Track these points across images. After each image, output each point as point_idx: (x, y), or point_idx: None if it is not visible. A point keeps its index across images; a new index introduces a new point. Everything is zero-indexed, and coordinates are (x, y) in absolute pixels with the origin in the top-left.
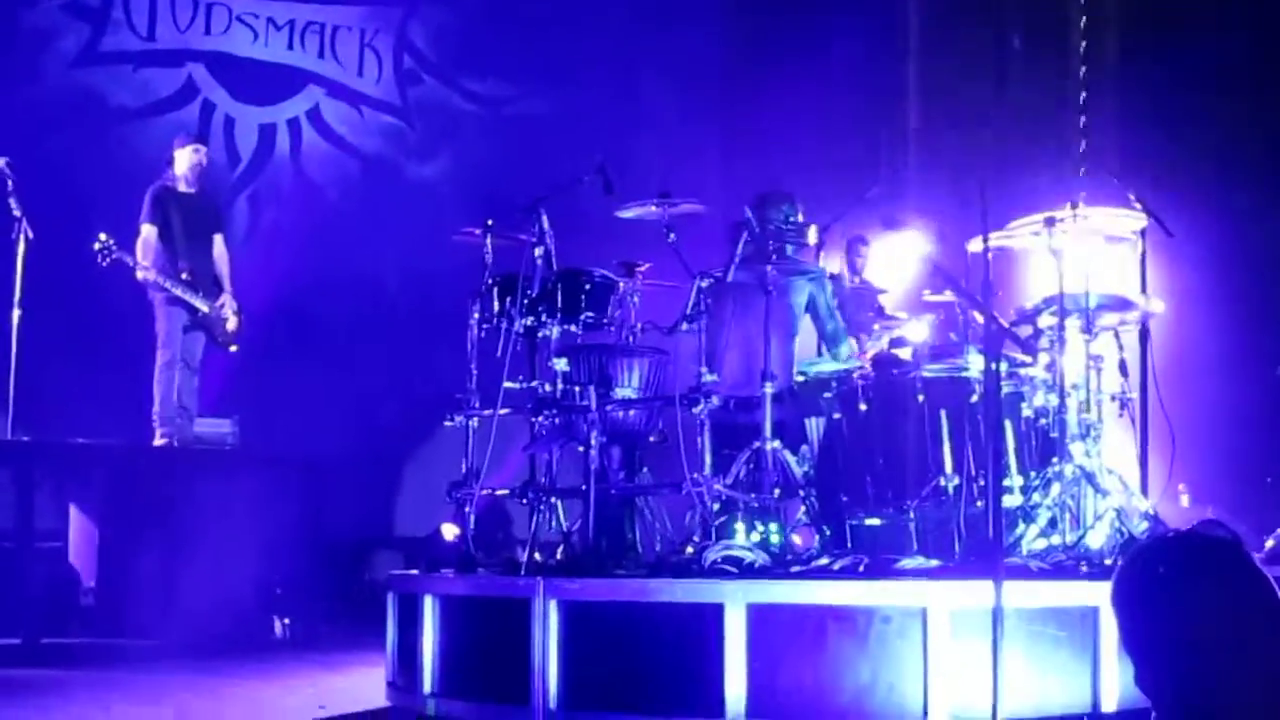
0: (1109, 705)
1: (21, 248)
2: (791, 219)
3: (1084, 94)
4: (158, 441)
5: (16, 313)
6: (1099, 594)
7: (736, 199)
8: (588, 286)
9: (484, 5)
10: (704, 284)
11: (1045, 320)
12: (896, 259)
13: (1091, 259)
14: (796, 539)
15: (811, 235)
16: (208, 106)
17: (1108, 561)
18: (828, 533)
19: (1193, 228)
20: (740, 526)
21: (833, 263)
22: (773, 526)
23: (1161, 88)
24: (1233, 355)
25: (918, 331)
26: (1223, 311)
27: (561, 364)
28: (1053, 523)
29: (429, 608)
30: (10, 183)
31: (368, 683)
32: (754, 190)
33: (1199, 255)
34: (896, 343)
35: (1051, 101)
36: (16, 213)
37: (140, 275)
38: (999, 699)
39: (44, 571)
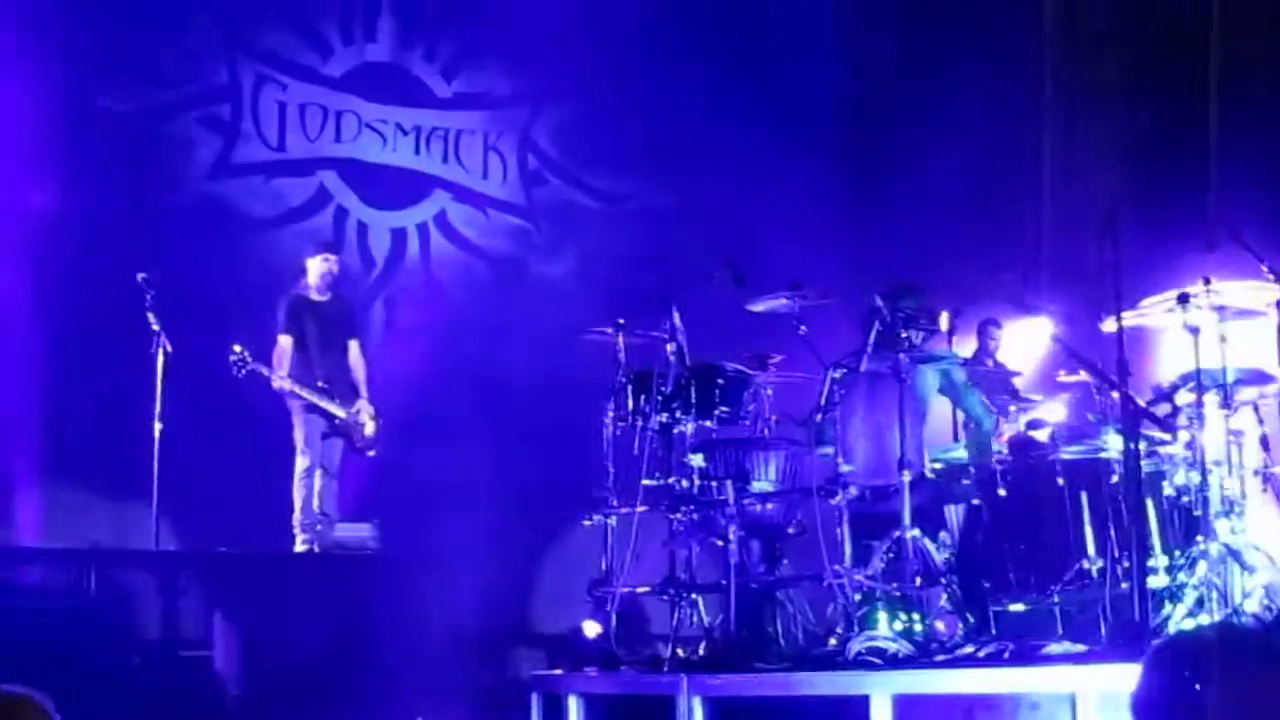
0: None
1: (161, 361)
2: (923, 306)
3: (1216, 167)
4: (299, 548)
5: (158, 426)
6: None
7: (865, 288)
8: (721, 381)
9: (607, 102)
10: (837, 374)
11: (1183, 397)
12: (1029, 341)
13: (1227, 332)
14: (941, 626)
15: (944, 321)
16: (340, 213)
17: None
18: (971, 620)
19: None
20: (883, 616)
21: (966, 347)
22: (915, 615)
23: None
24: None
25: (1054, 412)
26: None
27: (698, 459)
28: (1200, 602)
29: (574, 706)
30: (149, 297)
31: None
32: (883, 279)
33: None
34: (1033, 424)
35: (1183, 175)
36: (155, 326)
37: (276, 384)
38: None
39: (191, 680)
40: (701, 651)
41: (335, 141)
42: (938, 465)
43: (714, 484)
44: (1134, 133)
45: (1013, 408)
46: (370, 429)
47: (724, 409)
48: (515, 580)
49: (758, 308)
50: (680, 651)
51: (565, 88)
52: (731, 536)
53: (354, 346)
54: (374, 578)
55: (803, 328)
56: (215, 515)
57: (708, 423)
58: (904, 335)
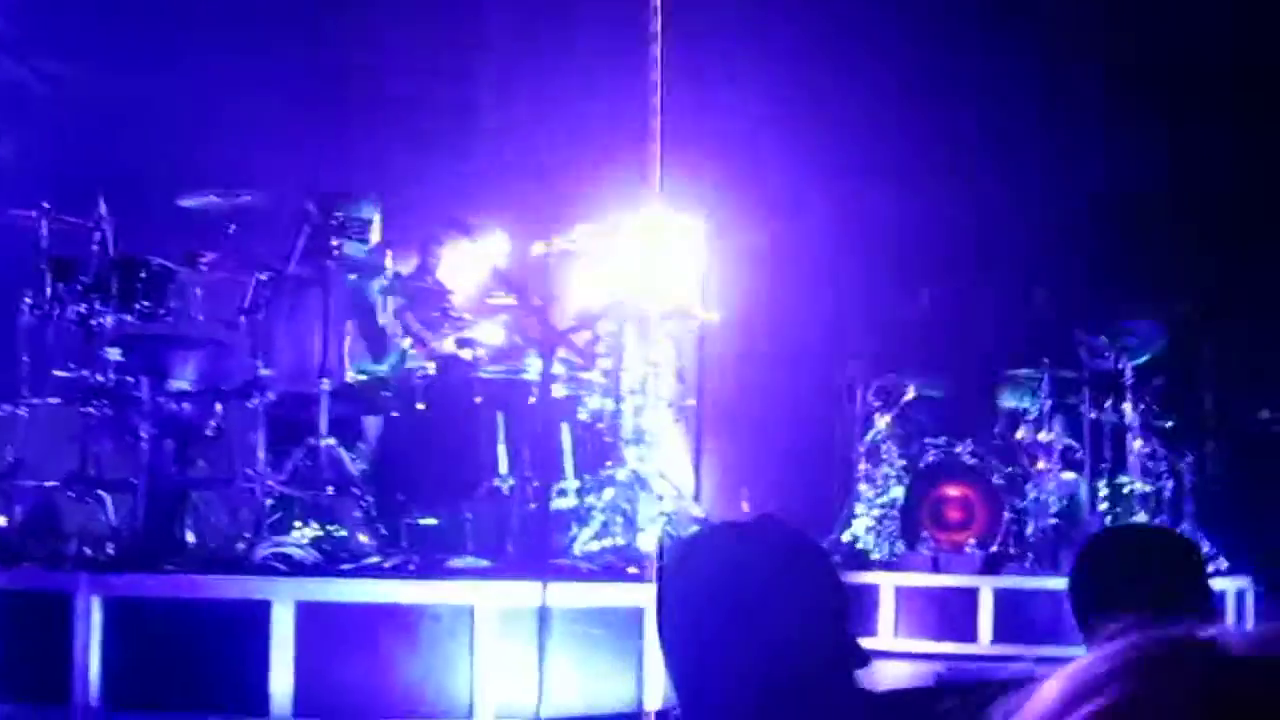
0: (653, 704)
1: None
2: (357, 215)
3: (657, 98)
4: None
5: None
6: (646, 595)
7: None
8: (144, 275)
9: None
10: (263, 276)
11: (605, 326)
12: (471, 260)
13: (653, 265)
14: (363, 538)
15: (376, 232)
16: None
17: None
18: (383, 531)
19: (759, 233)
20: (295, 524)
21: (407, 262)
22: (329, 525)
23: (730, 93)
24: (795, 363)
25: (491, 334)
26: (783, 318)
27: (115, 353)
28: (606, 526)
29: None
30: None
31: None
32: (332, 180)
33: (763, 261)
34: (463, 343)
35: (625, 106)
36: None
37: None
38: (544, 697)
39: None
40: (109, 551)
41: None
42: (362, 377)
43: (131, 379)
44: (573, 63)
45: (446, 326)
46: None
47: (146, 303)
48: None
49: (189, 203)
50: (87, 550)
51: None
52: (144, 434)
53: None
54: None
55: (232, 227)
56: None
57: (129, 317)
58: (335, 243)
